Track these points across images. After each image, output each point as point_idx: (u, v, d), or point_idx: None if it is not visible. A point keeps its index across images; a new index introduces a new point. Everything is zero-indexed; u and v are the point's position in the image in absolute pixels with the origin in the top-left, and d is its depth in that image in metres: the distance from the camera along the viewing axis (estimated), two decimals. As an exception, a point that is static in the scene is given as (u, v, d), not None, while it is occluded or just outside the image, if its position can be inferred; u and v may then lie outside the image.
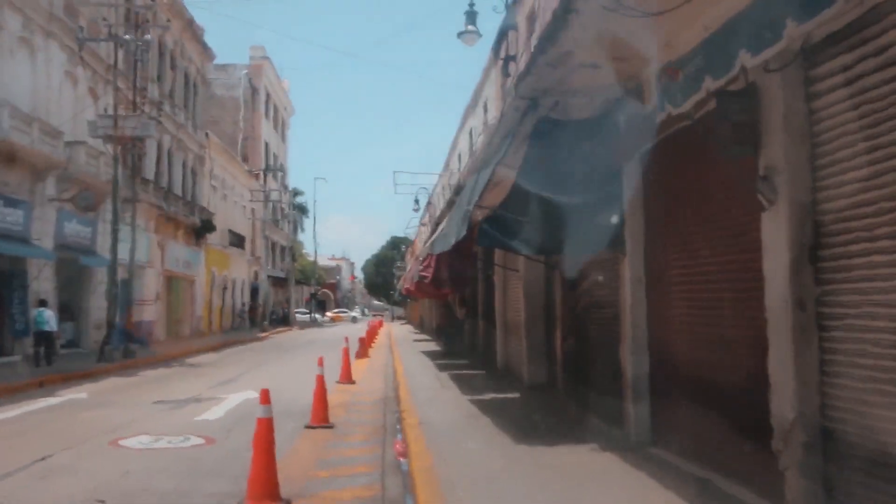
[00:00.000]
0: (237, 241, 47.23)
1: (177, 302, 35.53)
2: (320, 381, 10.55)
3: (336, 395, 13.23)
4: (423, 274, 18.27)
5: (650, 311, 8.00)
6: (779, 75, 4.91)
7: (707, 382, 6.52)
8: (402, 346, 31.54)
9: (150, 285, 30.57)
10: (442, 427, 9.79)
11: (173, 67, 34.89)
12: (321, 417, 10.29)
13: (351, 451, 8.74)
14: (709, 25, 5.24)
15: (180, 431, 9.84)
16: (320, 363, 11.06)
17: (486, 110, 25.17)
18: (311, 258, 78.65)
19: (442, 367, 19.32)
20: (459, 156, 32.63)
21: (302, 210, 74.17)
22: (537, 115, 7.91)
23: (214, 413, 11.73)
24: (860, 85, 4.52)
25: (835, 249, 4.81)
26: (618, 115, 8.04)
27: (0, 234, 19.33)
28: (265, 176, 55.93)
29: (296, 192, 72.95)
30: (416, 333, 46.81)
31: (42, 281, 21.48)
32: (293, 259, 69.20)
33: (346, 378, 16.08)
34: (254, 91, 54.98)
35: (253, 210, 53.60)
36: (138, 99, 24.67)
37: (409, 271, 32.78)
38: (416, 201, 39.34)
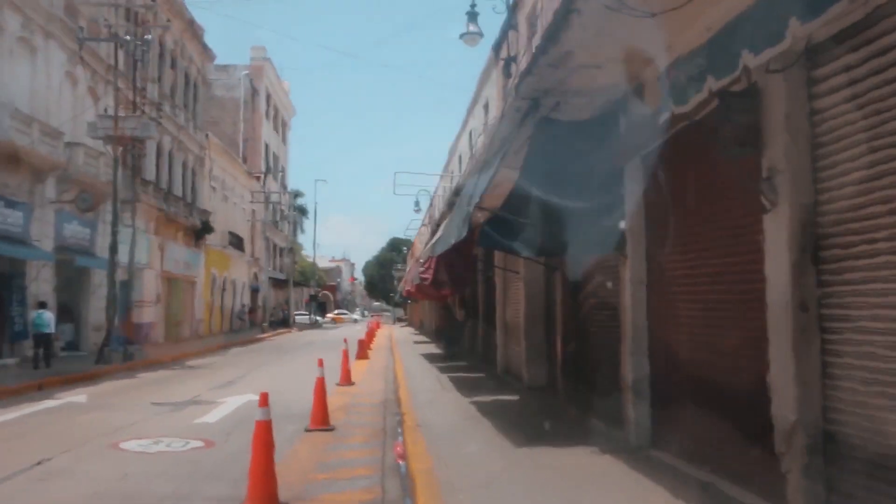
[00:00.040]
0: (237, 242, 47.22)
1: (176, 303, 35.49)
2: (320, 383, 10.52)
3: (336, 397, 13.21)
4: (424, 276, 18.25)
5: (651, 312, 7.97)
6: (781, 76, 4.88)
7: (708, 384, 6.49)
8: (402, 347, 31.51)
9: (149, 287, 30.54)
10: (442, 429, 9.76)
11: (173, 68, 34.88)
12: (321, 420, 10.26)
13: (351, 454, 8.71)
14: (710, 26, 5.20)
15: (179, 434, 9.81)
16: (320, 365, 11.03)
17: (486, 111, 25.13)
18: (311, 259, 78.61)
19: (442, 370, 19.29)
20: (460, 157, 32.60)
21: (302, 211, 74.16)
22: (538, 116, 7.88)
23: (214, 416, 11.70)
24: (863, 86, 4.49)
25: (837, 251, 4.78)
26: (619, 116, 8.02)
27: (-1, 236, 19.32)
28: (265, 177, 55.92)
29: (296, 194, 72.95)
30: (416, 335, 46.78)
31: (41, 282, 21.45)
32: (293, 261, 69.15)
33: (346, 380, 16.08)
34: (254, 92, 54.99)
35: (253, 211, 53.58)
36: (138, 99, 24.69)
37: (410, 273, 32.74)
38: (417, 203, 39.32)
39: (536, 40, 11.77)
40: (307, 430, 10.02)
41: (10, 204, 20.10)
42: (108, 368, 19.60)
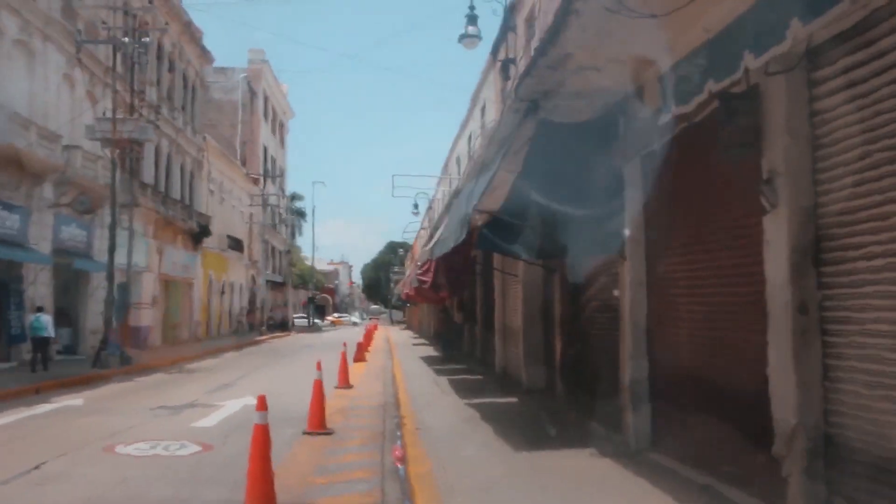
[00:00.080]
0: (235, 245, 47.15)
1: (174, 306, 35.42)
2: (318, 386, 10.48)
3: (334, 400, 13.17)
4: (423, 278, 18.23)
5: (650, 314, 7.96)
6: (781, 77, 4.87)
7: (708, 387, 6.47)
8: (401, 350, 31.47)
9: (147, 290, 30.48)
10: (441, 432, 9.73)
11: (171, 70, 34.85)
12: (319, 423, 10.22)
13: (349, 457, 8.67)
14: (709, 28, 5.19)
15: (177, 438, 9.77)
16: (318, 368, 10.99)
17: (483, 113, 25.13)
18: (309, 262, 78.55)
19: (440, 372, 19.26)
20: (458, 159, 32.59)
21: (300, 214, 74.10)
22: (537, 118, 7.86)
23: (212, 419, 11.65)
24: (864, 88, 4.48)
25: (838, 253, 4.76)
26: (619, 118, 8.00)
27: (-3, 239, 19.27)
28: (263, 180, 55.85)
29: (294, 197, 72.89)
30: (415, 338, 46.73)
31: (38, 286, 21.40)
32: (291, 263, 69.09)
33: (345, 383, 16.04)
34: (252, 94, 54.93)
35: (251, 214, 53.52)
36: (136, 102, 24.60)
37: (408, 276, 32.73)
38: (416, 205, 39.31)
39: (535, 42, 11.75)
40: (305, 434, 9.98)
41: (8, 207, 20.04)
42: (105, 372, 19.52)
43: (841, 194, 4.72)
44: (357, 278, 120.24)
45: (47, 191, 22.40)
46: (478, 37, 16.87)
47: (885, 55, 4.26)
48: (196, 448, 9.14)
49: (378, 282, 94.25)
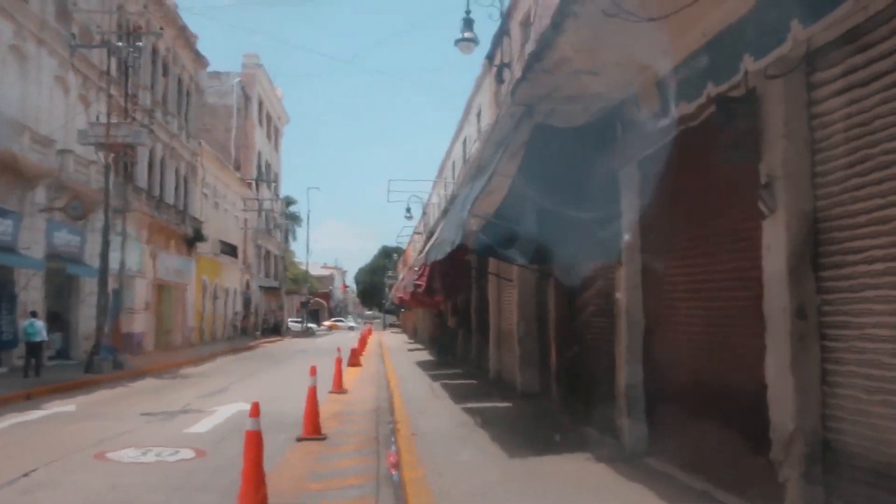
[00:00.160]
0: (229, 249, 47.01)
1: (168, 311, 35.28)
2: (312, 391, 10.42)
3: (328, 405, 13.11)
4: (417, 283, 18.19)
5: (647, 318, 7.92)
6: (780, 81, 4.84)
7: (705, 391, 6.44)
8: (395, 355, 31.38)
9: (140, 295, 30.34)
10: (435, 437, 9.67)
11: (166, 75, 34.77)
12: (313, 429, 10.15)
13: (343, 463, 8.61)
14: (707, 32, 5.17)
15: (170, 444, 9.68)
16: (312, 373, 10.93)
17: (479, 118, 25.13)
18: (304, 267, 78.43)
19: (435, 377, 19.19)
20: (454, 164, 32.57)
21: (294, 219, 73.99)
22: (533, 122, 7.83)
23: (205, 425, 11.57)
24: (863, 91, 4.45)
25: (837, 257, 4.73)
26: (615, 122, 7.98)
27: (-12, 243, 19.14)
28: (258, 185, 55.73)
29: (288, 201, 72.77)
30: (409, 343, 46.64)
31: (30, 291, 21.27)
32: (285, 268, 68.95)
33: (339, 388, 15.96)
34: (247, 99, 54.85)
35: (246, 219, 53.39)
36: (130, 106, 24.53)
37: (403, 280, 32.66)
38: (409, 210, 39.29)
39: (530, 46, 11.73)
40: (299, 439, 9.91)
41: (0, 212, 19.93)
42: (97, 377, 19.40)
43: (840, 198, 4.69)
44: (351, 283, 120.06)
45: (40, 195, 22.28)
46: (474, 41, 16.85)
47: (884, 58, 4.24)
48: (189, 454, 9.06)
49: (373, 286, 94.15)
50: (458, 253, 13.00)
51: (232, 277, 49.87)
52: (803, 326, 4.87)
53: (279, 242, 68.25)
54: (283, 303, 67.14)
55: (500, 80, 18.66)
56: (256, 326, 53.41)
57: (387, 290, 71.51)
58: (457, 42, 16.49)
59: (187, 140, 38.27)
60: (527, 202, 9.29)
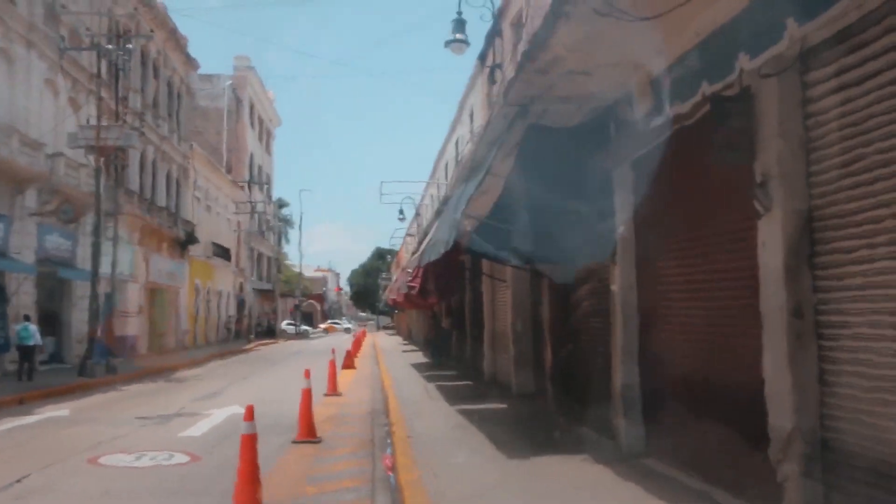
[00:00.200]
0: (222, 252, 46.87)
1: (161, 315, 35.14)
2: (306, 394, 10.39)
3: (323, 407, 13.07)
4: (411, 284, 18.14)
5: (642, 318, 7.91)
6: (774, 80, 4.83)
7: (702, 391, 6.43)
8: (390, 356, 31.33)
9: (133, 298, 30.21)
10: (431, 439, 9.65)
11: (156, 77, 34.63)
12: (308, 431, 10.12)
13: (339, 466, 8.57)
14: (700, 31, 5.16)
15: (164, 448, 9.62)
16: (307, 376, 10.89)
17: (472, 119, 25.12)
18: (297, 269, 78.27)
19: (430, 378, 19.16)
20: (447, 165, 32.56)
21: (286, 222, 73.86)
22: (526, 123, 7.82)
23: (199, 429, 11.51)
24: (857, 90, 4.44)
25: (833, 256, 4.73)
26: (608, 122, 7.97)
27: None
28: (250, 187, 55.61)
29: (281, 204, 72.64)
30: (404, 344, 46.60)
31: (22, 295, 21.13)
32: (278, 270, 68.79)
33: (333, 390, 15.93)
34: (238, 102, 54.71)
35: (238, 222, 53.25)
36: (120, 109, 24.40)
37: (396, 282, 32.62)
38: (401, 212, 39.26)
39: (521, 46, 11.72)
40: (294, 442, 9.88)
41: (-10, 216, 19.82)
42: (91, 381, 19.31)
43: (836, 197, 4.69)
44: (345, 285, 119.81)
45: (30, 199, 22.14)
46: (465, 42, 16.80)
47: (878, 57, 4.23)
48: (183, 458, 9.01)
49: (366, 288, 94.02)
50: (452, 254, 12.97)
51: (225, 280, 49.72)
52: (800, 325, 4.86)
53: (272, 245, 68.12)
54: (276, 305, 66.98)
55: (492, 80, 18.64)
56: (250, 329, 53.24)
57: (380, 291, 71.40)
58: (447, 43, 16.44)
59: (178, 143, 38.15)
60: (520, 202, 9.28)
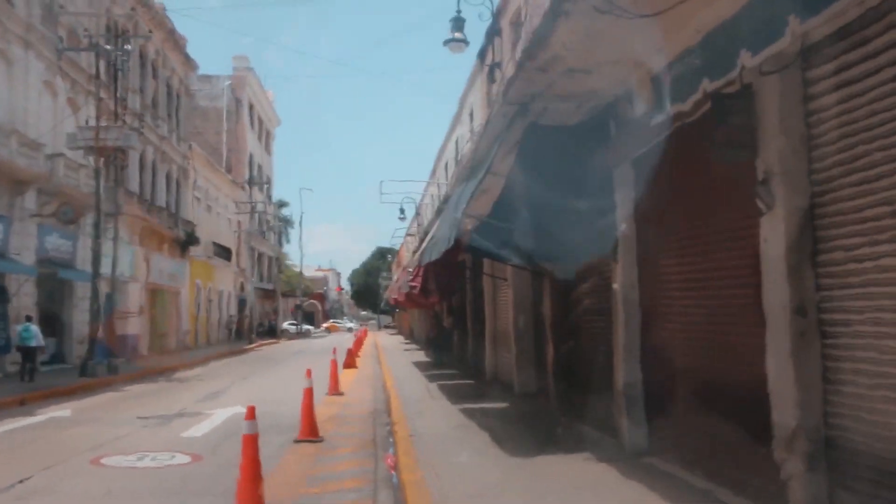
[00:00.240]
0: (222, 252, 46.88)
1: (162, 315, 35.14)
2: (308, 394, 10.38)
3: (325, 407, 13.06)
4: (412, 283, 18.14)
5: (644, 316, 7.90)
6: (776, 77, 4.81)
7: (705, 390, 6.41)
8: (391, 356, 31.34)
9: (134, 299, 30.21)
10: (433, 439, 9.64)
11: (155, 78, 34.62)
12: (310, 431, 10.11)
13: (341, 466, 8.57)
14: (701, 27, 5.14)
15: (166, 448, 9.62)
16: (308, 375, 10.88)
17: (472, 118, 25.09)
18: (298, 269, 78.30)
19: (431, 378, 19.16)
20: (446, 164, 32.55)
21: (287, 222, 73.85)
22: (526, 121, 7.80)
23: (201, 429, 11.51)
24: (859, 86, 4.42)
25: (836, 254, 4.71)
26: (609, 120, 7.95)
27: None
28: (250, 187, 55.63)
29: (281, 204, 72.62)
30: (405, 343, 46.61)
31: (23, 296, 21.12)
32: (279, 270, 68.81)
33: (335, 389, 15.92)
34: (237, 102, 54.71)
35: (239, 222, 53.25)
36: (119, 110, 24.39)
37: (397, 281, 32.62)
38: (402, 211, 39.24)
39: (520, 45, 11.69)
40: (296, 442, 9.87)
41: (-11, 217, 19.80)
42: (92, 382, 19.31)
43: (838, 194, 4.67)
44: (346, 284, 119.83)
45: (30, 200, 22.13)
46: (464, 41, 16.78)
47: (880, 53, 4.21)
48: (185, 458, 9.00)
49: (367, 287, 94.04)
50: (453, 253, 12.97)
51: (226, 280, 49.73)
52: (803, 323, 4.84)
53: (273, 245, 68.13)
54: (278, 305, 67.00)
55: (491, 79, 18.62)
56: (252, 329, 53.27)
57: (381, 290, 71.42)
58: (446, 42, 16.42)
59: (178, 143, 38.15)
60: (521, 201, 9.27)
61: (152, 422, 12.42)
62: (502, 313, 16.81)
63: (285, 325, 67.31)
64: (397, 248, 58.73)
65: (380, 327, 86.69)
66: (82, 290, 24.38)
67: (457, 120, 29.58)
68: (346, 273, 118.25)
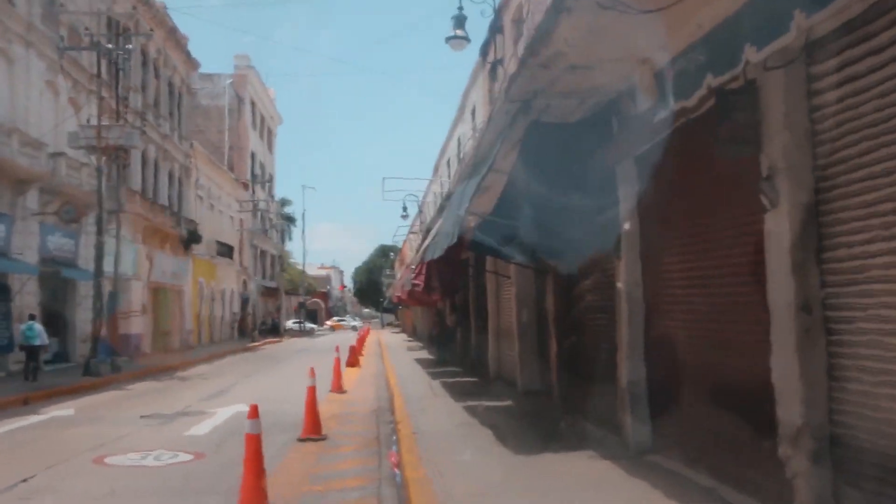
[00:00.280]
0: (225, 251, 46.91)
1: (164, 313, 35.17)
2: (311, 392, 10.37)
3: (328, 405, 13.06)
4: (415, 281, 18.14)
5: (647, 313, 7.87)
6: (780, 72, 4.78)
7: (709, 387, 6.38)
8: (394, 354, 31.34)
9: (137, 297, 30.24)
10: (437, 437, 9.63)
11: (157, 77, 34.63)
12: (313, 429, 10.11)
13: (344, 464, 8.56)
14: (705, 23, 5.11)
15: (169, 447, 9.62)
16: (311, 374, 10.87)
17: (473, 115, 25.06)
18: (300, 267, 78.37)
19: (435, 375, 19.16)
20: (448, 161, 32.52)
21: (289, 220, 73.87)
22: (528, 119, 7.78)
23: (204, 427, 11.52)
24: (864, 82, 4.39)
25: (840, 251, 4.68)
26: (611, 117, 7.92)
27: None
28: (252, 186, 55.64)
29: (283, 202, 72.64)
30: (408, 341, 46.62)
31: (25, 295, 21.15)
32: (282, 269, 68.86)
33: (338, 388, 15.92)
34: (239, 100, 54.71)
35: (241, 220, 53.28)
36: (121, 109, 24.40)
37: (400, 279, 32.63)
38: (405, 208, 39.20)
39: (522, 42, 11.66)
40: (299, 440, 9.87)
41: (-8, 217, 19.82)
42: (95, 381, 19.34)
43: (843, 190, 4.63)
44: (349, 282, 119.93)
45: (32, 199, 22.16)
46: (465, 38, 16.76)
47: (885, 49, 4.18)
48: (188, 457, 9.00)
49: (370, 285, 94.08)
50: (456, 250, 12.95)
51: (229, 279, 49.77)
52: (808, 320, 4.81)
53: (276, 243, 68.17)
54: (281, 303, 67.06)
55: (493, 77, 18.60)
56: (255, 327, 53.31)
57: (384, 288, 71.45)
58: (448, 39, 16.39)
59: (180, 142, 38.16)
60: (523, 198, 9.24)
61: (155, 420, 12.43)
62: (505, 310, 16.79)
63: (289, 323, 67.36)
64: (400, 245, 58.74)
65: (383, 325, 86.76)
66: (85, 289, 24.41)
67: (459, 117, 29.55)
68: (348, 271, 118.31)
